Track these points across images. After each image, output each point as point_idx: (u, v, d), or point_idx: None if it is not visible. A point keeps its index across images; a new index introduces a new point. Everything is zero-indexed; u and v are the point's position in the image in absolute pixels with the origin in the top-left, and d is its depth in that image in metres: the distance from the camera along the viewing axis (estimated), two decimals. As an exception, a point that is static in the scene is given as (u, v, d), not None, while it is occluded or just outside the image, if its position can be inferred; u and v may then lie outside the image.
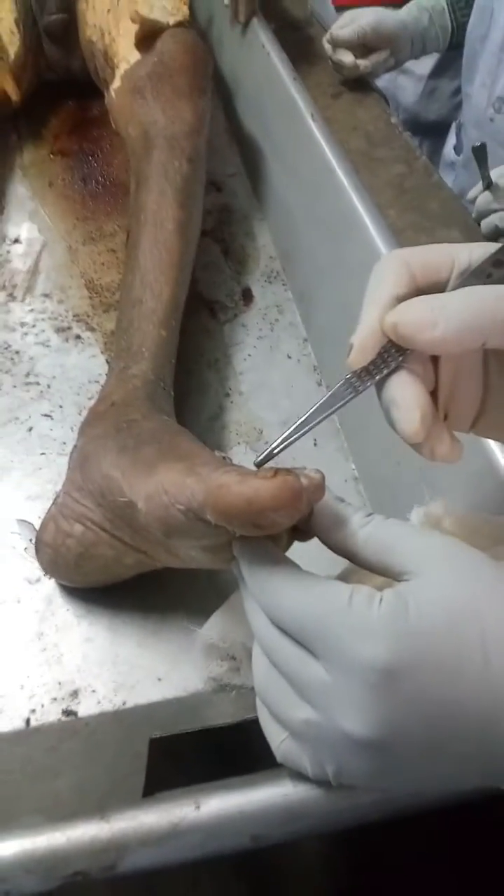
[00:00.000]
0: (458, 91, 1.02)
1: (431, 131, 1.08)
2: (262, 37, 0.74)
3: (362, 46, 0.82)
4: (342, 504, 0.29)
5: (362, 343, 0.27)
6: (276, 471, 0.25)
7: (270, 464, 0.28)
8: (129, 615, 0.43)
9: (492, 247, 0.29)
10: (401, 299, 0.27)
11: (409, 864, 0.41)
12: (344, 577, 0.32)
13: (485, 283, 0.27)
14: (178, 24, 0.64)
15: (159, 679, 0.40)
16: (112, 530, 0.37)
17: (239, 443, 0.52)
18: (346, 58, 0.81)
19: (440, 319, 0.25)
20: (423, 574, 0.25)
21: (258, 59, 0.74)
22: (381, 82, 1.04)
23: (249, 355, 0.57)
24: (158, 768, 0.33)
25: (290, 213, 0.65)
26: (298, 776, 0.28)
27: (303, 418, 0.29)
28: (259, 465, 0.29)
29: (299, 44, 0.88)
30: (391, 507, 0.45)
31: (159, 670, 0.40)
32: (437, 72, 1.05)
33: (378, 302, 0.27)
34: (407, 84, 1.08)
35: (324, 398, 0.29)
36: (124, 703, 0.39)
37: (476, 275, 0.27)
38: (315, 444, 0.52)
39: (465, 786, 0.28)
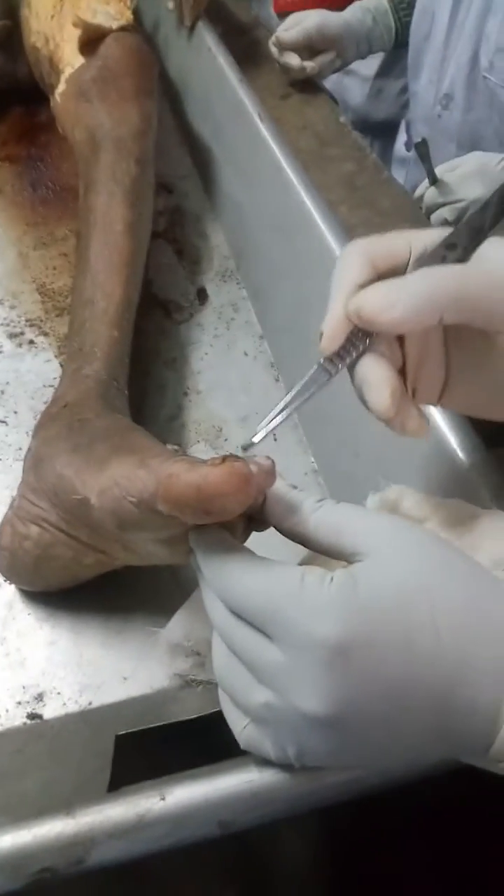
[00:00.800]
0: (404, 90, 1.03)
1: (381, 131, 1.10)
2: (209, 40, 0.75)
3: (308, 48, 0.83)
4: (294, 491, 0.29)
5: (331, 330, 0.29)
6: (225, 458, 0.26)
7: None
8: (92, 617, 0.42)
9: (445, 231, 0.30)
10: (363, 286, 0.29)
11: (399, 871, 0.41)
12: (306, 563, 0.33)
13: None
14: (122, 29, 0.64)
15: (125, 678, 0.40)
16: (69, 530, 0.37)
17: (199, 441, 0.52)
18: (293, 60, 0.82)
19: (398, 300, 0.27)
20: (373, 554, 0.26)
21: (205, 63, 0.74)
22: (328, 84, 1.05)
23: (206, 354, 0.58)
24: (125, 764, 0.33)
25: (242, 213, 0.65)
26: (263, 762, 0.28)
27: (281, 405, 0.30)
28: (246, 446, 0.30)
29: (246, 47, 0.89)
30: (351, 498, 0.46)
31: (124, 669, 0.40)
32: (383, 72, 1.06)
33: (342, 290, 0.29)
34: (353, 85, 1.09)
35: (300, 384, 0.30)
36: (90, 704, 0.39)
37: (431, 258, 0.29)
38: (275, 439, 0.52)
39: (425, 760, 0.29)
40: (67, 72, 0.65)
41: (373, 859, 0.41)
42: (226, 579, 0.27)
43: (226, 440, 0.52)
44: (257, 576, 0.26)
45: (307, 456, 0.51)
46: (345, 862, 0.42)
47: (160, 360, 0.57)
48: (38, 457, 0.39)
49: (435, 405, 0.32)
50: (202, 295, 0.62)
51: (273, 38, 0.83)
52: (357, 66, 1.02)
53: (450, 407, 0.33)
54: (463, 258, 0.29)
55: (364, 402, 0.30)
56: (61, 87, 0.65)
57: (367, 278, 0.29)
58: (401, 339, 0.30)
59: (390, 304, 0.27)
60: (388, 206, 0.71)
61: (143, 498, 0.29)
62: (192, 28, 0.77)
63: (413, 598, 0.24)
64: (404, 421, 0.30)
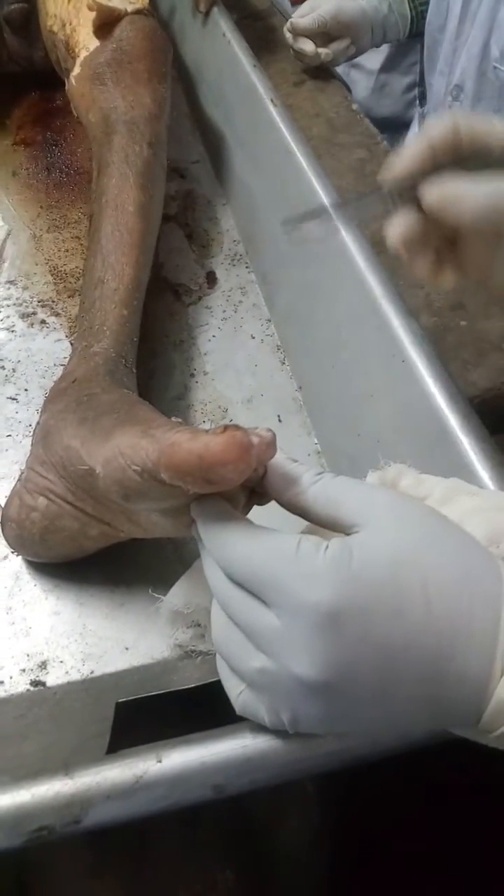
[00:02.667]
0: (410, 87, 1.02)
1: (385, 127, 1.06)
2: (224, 26, 0.75)
3: (323, 35, 0.83)
4: (294, 464, 0.30)
5: (393, 168, 0.33)
6: (226, 427, 0.26)
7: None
8: (97, 588, 0.43)
9: None
10: (434, 158, 0.33)
11: (398, 852, 0.41)
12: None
13: None
14: (137, 12, 0.65)
15: (126, 648, 0.41)
16: (75, 501, 0.37)
17: (204, 421, 0.52)
18: (307, 46, 0.82)
19: (470, 199, 0.31)
20: (369, 525, 0.26)
21: (219, 48, 0.74)
22: (335, 75, 1.03)
23: (214, 336, 0.58)
24: (124, 731, 0.33)
25: (252, 198, 0.66)
26: (258, 728, 0.29)
27: (335, 202, 0.34)
28: (286, 223, 0.34)
29: (261, 33, 0.89)
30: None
31: (126, 640, 0.41)
32: (388, 67, 1.03)
33: (416, 150, 0.33)
34: (359, 78, 1.06)
35: (356, 199, 0.35)
36: (92, 673, 0.40)
37: None
38: (279, 420, 0.53)
39: (416, 729, 0.29)
40: (83, 55, 0.65)
41: (373, 839, 0.42)
42: (225, 547, 0.27)
43: (231, 421, 0.53)
44: (255, 543, 0.26)
45: (311, 437, 0.52)
46: (345, 841, 0.43)
47: (168, 342, 0.57)
48: (47, 429, 0.40)
49: (480, 280, 0.36)
50: (211, 278, 0.63)
51: (287, 25, 0.83)
52: (363, 59, 1.00)
53: (495, 288, 0.37)
54: None
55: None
56: (76, 70, 0.65)
57: (443, 152, 0.32)
58: None
59: (461, 198, 0.31)
60: (399, 193, 0.71)
61: (146, 467, 0.29)
62: (207, 14, 0.77)
63: (405, 569, 0.25)
64: (417, 263, 0.35)
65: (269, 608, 0.26)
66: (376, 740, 0.30)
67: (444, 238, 0.35)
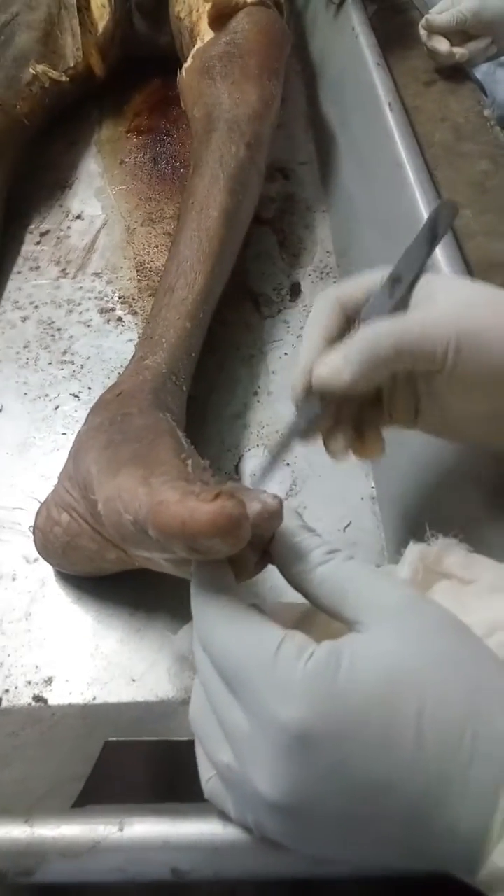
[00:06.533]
0: None
1: None
2: (354, 18, 0.71)
3: (462, 33, 0.76)
4: (305, 536, 0.26)
5: (294, 384, 0.33)
6: (218, 493, 0.23)
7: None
8: (118, 608, 0.42)
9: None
10: (329, 339, 0.32)
11: None
12: (309, 615, 0.30)
13: (388, 301, 0.32)
14: (261, 3, 0.62)
15: (133, 680, 0.39)
16: (94, 524, 0.36)
17: (258, 444, 0.49)
18: (441, 45, 0.75)
19: (344, 368, 0.30)
20: (370, 628, 0.23)
21: (346, 43, 0.70)
22: (478, 74, 0.96)
23: (286, 354, 0.55)
24: (104, 773, 0.32)
25: (353, 208, 0.62)
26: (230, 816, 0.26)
27: (277, 447, 0.33)
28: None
29: (398, 27, 0.83)
30: (401, 529, 0.42)
31: (135, 671, 0.40)
32: None
33: (309, 346, 0.32)
34: None
35: (290, 427, 0.33)
36: (94, 699, 0.39)
37: (381, 295, 0.33)
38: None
39: (386, 864, 0.26)
40: (197, 45, 0.63)
41: None
42: (206, 627, 0.25)
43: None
44: (235, 632, 0.24)
45: (367, 480, 0.47)
46: None
47: (237, 356, 0.55)
48: (79, 444, 0.38)
49: (412, 429, 0.35)
50: (295, 290, 0.59)
51: (423, 21, 0.77)
52: (512, 57, 0.92)
53: (425, 430, 0.35)
54: (408, 292, 0.32)
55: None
56: (188, 62, 0.63)
57: (334, 330, 0.32)
58: None
59: (338, 372, 0.30)
60: (520, 214, 0.64)
61: (137, 518, 0.27)
62: (340, 5, 0.73)
63: (400, 694, 0.21)
64: (329, 444, 0.34)
65: (240, 706, 0.23)
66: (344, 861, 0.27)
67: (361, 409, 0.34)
